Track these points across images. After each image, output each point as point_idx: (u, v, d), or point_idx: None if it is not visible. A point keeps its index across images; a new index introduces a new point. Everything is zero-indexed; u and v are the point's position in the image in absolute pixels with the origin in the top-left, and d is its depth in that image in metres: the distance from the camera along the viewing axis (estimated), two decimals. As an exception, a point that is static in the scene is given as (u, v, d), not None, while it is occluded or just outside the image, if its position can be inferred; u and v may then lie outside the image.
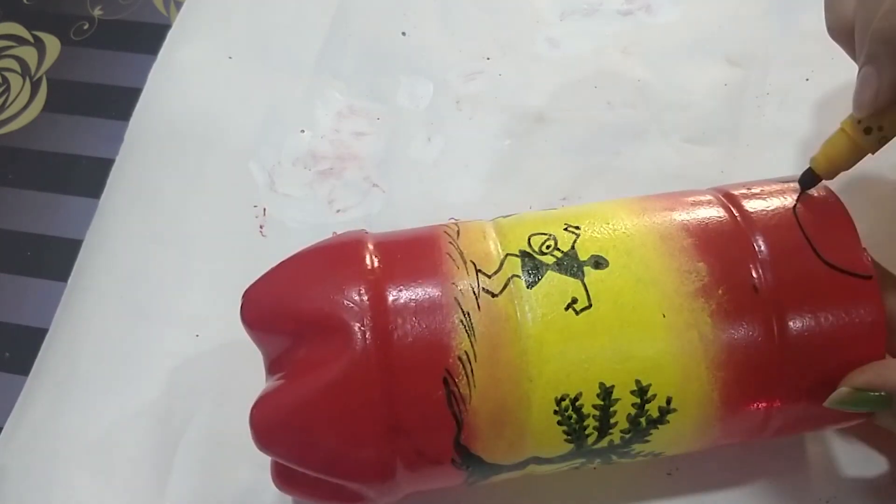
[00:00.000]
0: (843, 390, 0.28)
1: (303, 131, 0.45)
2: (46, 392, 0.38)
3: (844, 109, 0.43)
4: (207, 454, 0.36)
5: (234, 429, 0.36)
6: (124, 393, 0.38)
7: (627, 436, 0.29)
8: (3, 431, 0.38)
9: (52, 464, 0.37)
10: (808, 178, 0.31)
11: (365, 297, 0.29)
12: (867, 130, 0.31)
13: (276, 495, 0.35)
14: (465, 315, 0.28)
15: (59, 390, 0.38)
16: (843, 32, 0.33)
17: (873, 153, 0.31)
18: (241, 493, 0.36)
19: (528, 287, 0.29)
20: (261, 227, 0.42)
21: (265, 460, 0.32)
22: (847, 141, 0.31)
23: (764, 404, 0.29)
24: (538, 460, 0.30)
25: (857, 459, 0.35)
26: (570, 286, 0.29)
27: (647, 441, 0.30)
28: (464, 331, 0.28)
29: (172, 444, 0.37)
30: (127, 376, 0.38)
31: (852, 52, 0.33)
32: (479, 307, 0.28)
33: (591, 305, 0.28)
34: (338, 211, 0.43)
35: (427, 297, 0.29)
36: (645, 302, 0.28)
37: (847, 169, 0.32)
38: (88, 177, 0.46)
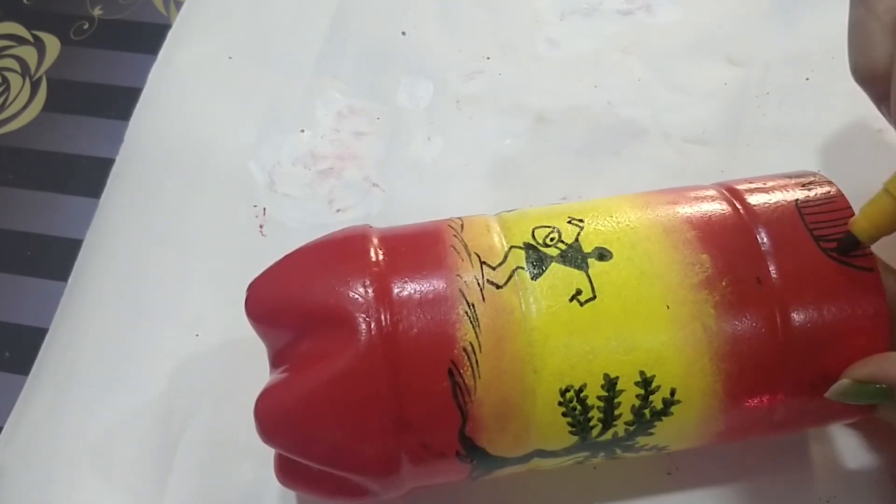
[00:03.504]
0: (843, 382, 0.28)
1: (303, 131, 0.45)
2: (46, 392, 0.38)
3: (844, 109, 0.43)
4: (207, 454, 0.36)
5: (234, 428, 0.36)
6: (124, 393, 0.38)
7: (632, 428, 0.29)
8: (3, 431, 0.38)
9: (52, 464, 0.37)
10: (849, 244, 0.29)
11: (370, 290, 0.29)
12: None
13: (277, 495, 0.35)
14: (469, 306, 0.28)
15: (59, 390, 0.38)
16: (873, 77, 0.31)
17: None
18: (242, 492, 0.36)
19: (532, 279, 0.29)
20: (261, 226, 0.42)
21: (266, 459, 0.32)
22: (892, 203, 0.28)
23: (767, 396, 0.29)
24: (542, 453, 0.30)
25: (858, 459, 0.35)
26: (575, 278, 0.29)
27: (651, 434, 0.30)
28: (468, 322, 0.28)
29: (172, 444, 0.37)
30: (127, 376, 0.38)
31: (879, 97, 0.31)
32: (483, 299, 0.29)
33: (595, 297, 0.29)
34: (338, 211, 0.43)
35: (432, 288, 0.29)
36: (649, 294, 0.29)
37: (891, 233, 0.29)
38: (88, 177, 0.46)
